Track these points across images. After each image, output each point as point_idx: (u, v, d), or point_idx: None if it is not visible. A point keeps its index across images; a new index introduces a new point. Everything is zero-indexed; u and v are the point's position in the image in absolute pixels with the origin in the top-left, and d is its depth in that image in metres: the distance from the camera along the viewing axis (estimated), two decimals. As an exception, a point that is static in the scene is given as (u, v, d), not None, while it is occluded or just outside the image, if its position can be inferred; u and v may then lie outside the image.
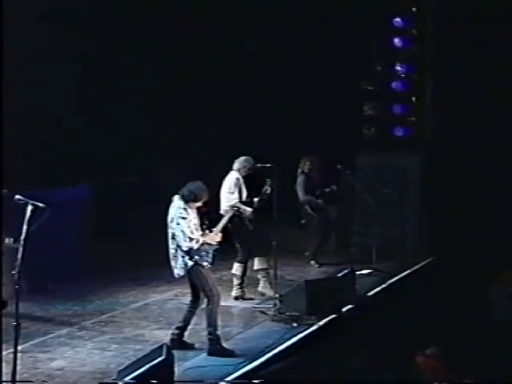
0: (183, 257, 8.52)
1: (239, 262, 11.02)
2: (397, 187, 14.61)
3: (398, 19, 15.12)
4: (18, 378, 6.44)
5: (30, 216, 6.37)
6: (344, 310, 10.30)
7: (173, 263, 8.62)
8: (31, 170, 12.21)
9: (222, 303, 9.14)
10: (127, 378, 6.92)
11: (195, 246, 8.48)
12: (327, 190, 13.30)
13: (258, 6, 14.81)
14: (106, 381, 7.55)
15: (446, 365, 8.21)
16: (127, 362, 7.57)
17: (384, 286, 12.04)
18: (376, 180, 14.41)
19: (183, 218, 8.48)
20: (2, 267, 6.60)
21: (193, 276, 8.62)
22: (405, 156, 14.98)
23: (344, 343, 9.18)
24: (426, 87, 15.29)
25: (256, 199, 10.86)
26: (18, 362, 6.44)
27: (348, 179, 13.28)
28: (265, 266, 11.04)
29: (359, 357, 8.70)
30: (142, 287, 11.74)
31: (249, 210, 10.80)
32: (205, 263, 8.57)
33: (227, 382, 7.78)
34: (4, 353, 6.58)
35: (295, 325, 9.73)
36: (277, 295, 10.47)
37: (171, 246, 8.60)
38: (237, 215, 10.42)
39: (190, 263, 8.52)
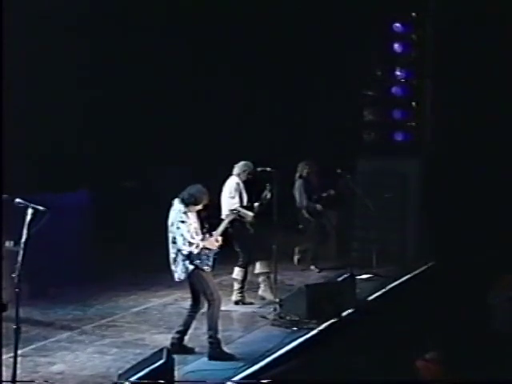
0: (184, 261, 8.51)
1: (240, 266, 11.02)
2: (397, 192, 14.63)
3: (397, 24, 15.18)
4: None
5: (31, 219, 6.38)
6: (344, 314, 10.28)
7: (173, 267, 8.60)
8: (31, 176, 12.20)
9: (223, 308, 9.13)
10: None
11: (195, 251, 8.48)
12: (324, 194, 13.24)
13: (259, 8, 14.83)
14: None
15: (446, 369, 8.21)
16: (127, 366, 7.56)
17: (384, 290, 12.03)
18: (376, 185, 14.41)
19: (183, 221, 8.47)
20: (2, 271, 6.61)
21: (194, 280, 8.61)
22: (405, 161, 14.99)
23: (344, 348, 9.18)
24: (426, 92, 15.32)
25: (256, 204, 10.86)
26: (18, 365, 6.45)
27: (348, 184, 13.27)
28: (266, 269, 11.05)
29: (359, 361, 8.69)
30: (142, 292, 11.74)
31: (250, 214, 10.80)
32: (205, 267, 8.56)
33: (234, 381, 7.77)
34: (4, 357, 6.59)
35: (295, 329, 9.72)
36: (277, 299, 10.48)
37: (172, 250, 8.59)
38: (237, 219, 10.42)
39: (191, 267, 8.51)
